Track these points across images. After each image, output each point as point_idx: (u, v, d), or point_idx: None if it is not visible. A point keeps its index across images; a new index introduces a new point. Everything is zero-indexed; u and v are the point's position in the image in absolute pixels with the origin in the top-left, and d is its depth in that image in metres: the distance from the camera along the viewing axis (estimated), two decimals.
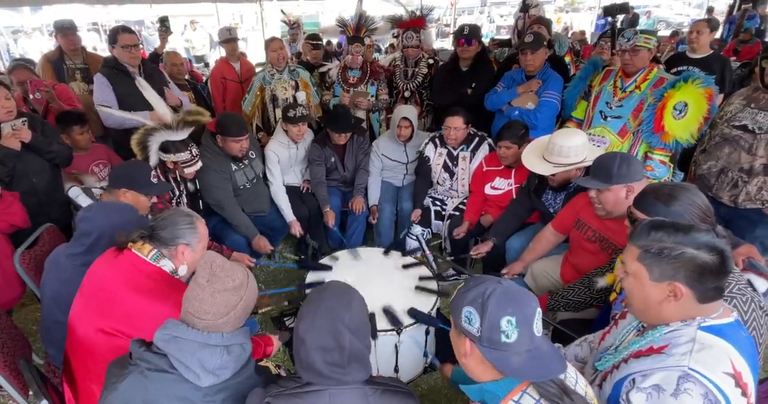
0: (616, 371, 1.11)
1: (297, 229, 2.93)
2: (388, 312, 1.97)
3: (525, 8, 3.68)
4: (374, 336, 1.88)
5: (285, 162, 3.04)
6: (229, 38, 3.94)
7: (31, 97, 2.93)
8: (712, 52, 3.42)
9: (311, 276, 2.32)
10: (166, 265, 1.43)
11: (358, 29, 3.47)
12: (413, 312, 1.98)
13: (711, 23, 3.37)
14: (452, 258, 2.85)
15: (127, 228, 1.46)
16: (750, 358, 1.01)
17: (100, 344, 1.33)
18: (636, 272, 1.07)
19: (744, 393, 0.96)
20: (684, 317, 1.05)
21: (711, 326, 1.03)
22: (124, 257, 1.40)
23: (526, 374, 0.93)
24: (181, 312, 1.09)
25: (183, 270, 1.46)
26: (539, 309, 0.96)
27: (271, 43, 3.41)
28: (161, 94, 2.92)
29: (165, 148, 2.32)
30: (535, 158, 2.27)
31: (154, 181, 2.04)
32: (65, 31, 3.38)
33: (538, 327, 0.95)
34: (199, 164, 2.44)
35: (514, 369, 0.93)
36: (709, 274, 0.99)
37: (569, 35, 8.97)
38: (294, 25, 5.49)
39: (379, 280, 2.27)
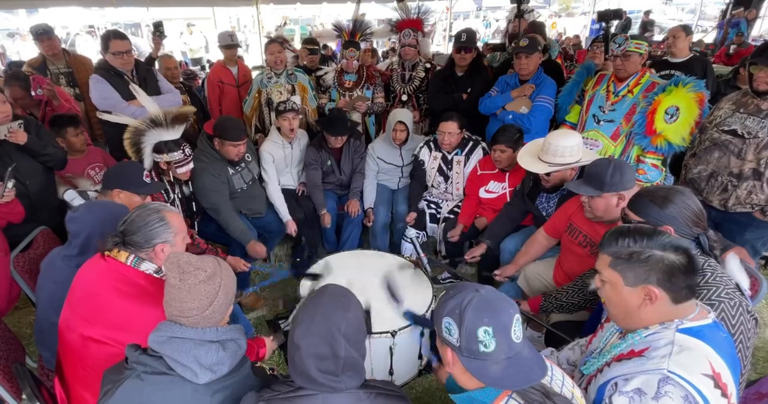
0: (599, 375, 1.13)
1: (293, 229, 2.94)
2: (390, 288, 1.96)
3: (520, 14, 3.72)
4: (369, 332, 1.87)
5: (280, 162, 3.05)
6: (230, 44, 3.92)
7: (33, 93, 2.92)
8: (692, 55, 3.47)
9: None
10: (149, 268, 1.39)
11: (353, 34, 3.49)
12: (410, 315, 1.99)
13: (686, 28, 3.47)
14: (447, 260, 2.86)
15: (115, 227, 1.43)
16: (729, 358, 1.03)
17: (91, 352, 1.31)
18: (611, 279, 1.11)
19: (724, 394, 0.97)
20: (662, 319, 1.07)
21: (689, 328, 1.05)
22: (107, 263, 1.37)
23: (504, 384, 0.94)
24: (167, 317, 1.09)
25: None
26: (517, 315, 0.97)
27: (269, 46, 3.42)
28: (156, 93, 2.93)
29: (158, 148, 2.32)
30: (531, 158, 2.28)
31: (147, 180, 2.03)
32: (41, 35, 3.33)
33: (516, 333, 0.96)
34: (192, 164, 2.44)
35: (492, 379, 0.94)
36: (679, 273, 1.03)
37: (562, 39, 9.07)
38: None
39: (374, 280, 2.27)
